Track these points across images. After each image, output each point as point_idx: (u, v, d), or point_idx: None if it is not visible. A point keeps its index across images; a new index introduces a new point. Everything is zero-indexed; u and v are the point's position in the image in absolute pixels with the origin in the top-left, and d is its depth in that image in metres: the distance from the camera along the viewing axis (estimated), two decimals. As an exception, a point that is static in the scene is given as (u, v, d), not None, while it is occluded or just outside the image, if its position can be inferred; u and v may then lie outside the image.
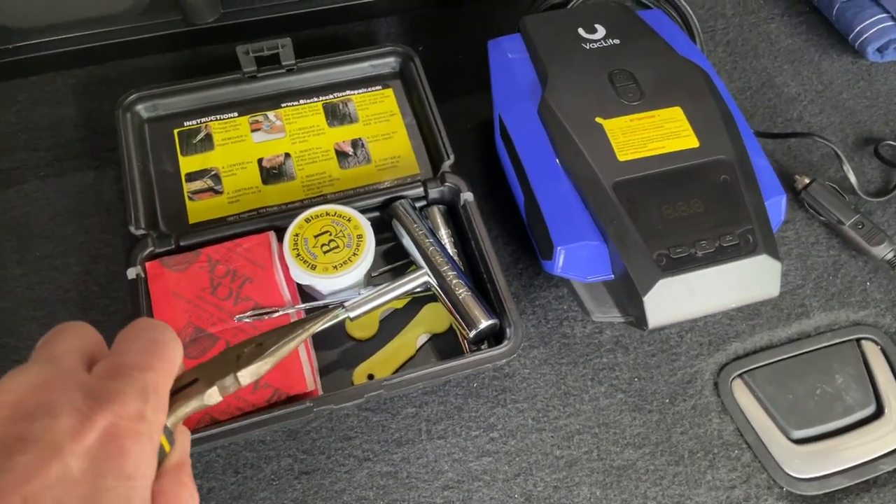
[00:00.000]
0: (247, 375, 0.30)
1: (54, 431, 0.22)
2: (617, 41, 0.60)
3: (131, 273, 0.52)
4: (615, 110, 0.55)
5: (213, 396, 0.28)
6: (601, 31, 0.60)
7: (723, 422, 0.55)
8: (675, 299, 0.50)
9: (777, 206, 0.55)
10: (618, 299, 0.53)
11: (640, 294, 0.49)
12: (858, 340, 0.59)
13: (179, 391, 0.28)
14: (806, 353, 0.58)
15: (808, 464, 0.54)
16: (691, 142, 0.54)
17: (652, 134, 0.54)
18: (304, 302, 0.54)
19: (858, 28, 0.74)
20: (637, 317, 0.51)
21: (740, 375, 0.57)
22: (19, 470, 0.21)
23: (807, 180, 0.65)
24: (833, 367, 0.58)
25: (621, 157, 0.53)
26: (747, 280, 0.51)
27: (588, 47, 0.59)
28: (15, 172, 0.63)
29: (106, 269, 0.59)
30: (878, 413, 0.57)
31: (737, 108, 0.58)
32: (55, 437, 0.22)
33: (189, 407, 0.28)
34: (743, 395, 0.56)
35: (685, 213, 0.51)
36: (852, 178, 0.65)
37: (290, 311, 0.52)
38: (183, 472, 0.26)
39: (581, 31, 0.60)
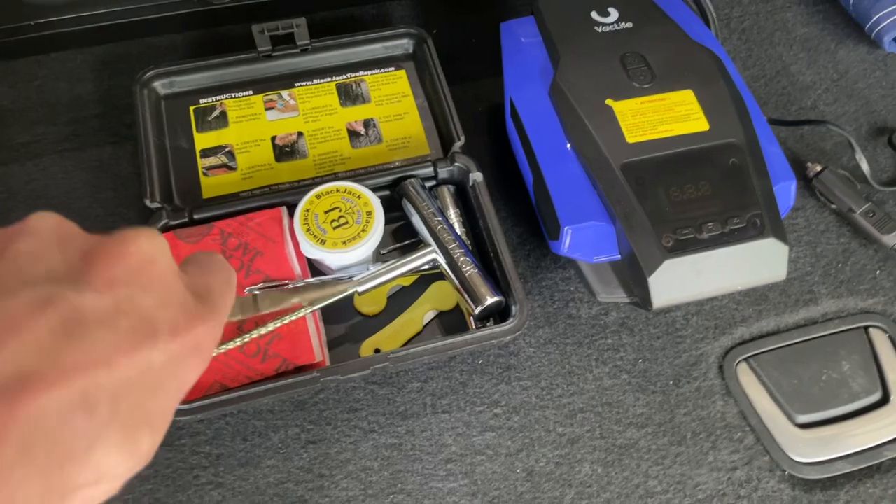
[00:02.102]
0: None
1: (157, 320, 0.22)
2: (630, 25, 0.60)
3: (146, 244, 0.53)
4: (626, 92, 0.55)
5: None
6: (614, 14, 0.60)
7: (726, 404, 0.55)
8: (680, 280, 0.50)
9: (787, 191, 0.55)
10: (623, 280, 0.53)
11: (645, 274, 0.49)
12: (866, 328, 0.59)
13: None
14: (813, 339, 0.58)
15: (811, 448, 0.54)
16: (701, 125, 0.54)
17: (662, 116, 0.54)
18: (313, 276, 0.55)
19: (876, 17, 0.73)
20: (642, 297, 0.51)
21: (746, 359, 0.57)
22: (111, 345, 0.21)
23: (818, 167, 0.64)
24: (840, 354, 0.58)
25: (630, 139, 0.53)
26: (754, 263, 0.51)
27: (600, 30, 0.59)
28: (34, 146, 0.64)
29: (121, 241, 0.60)
30: (884, 400, 0.56)
31: (750, 94, 0.58)
32: (153, 322, 0.22)
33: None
34: (747, 379, 0.56)
35: (693, 196, 0.51)
36: (865, 167, 0.64)
37: (299, 284, 0.53)
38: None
39: (594, 14, 0.60)
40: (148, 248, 0.23)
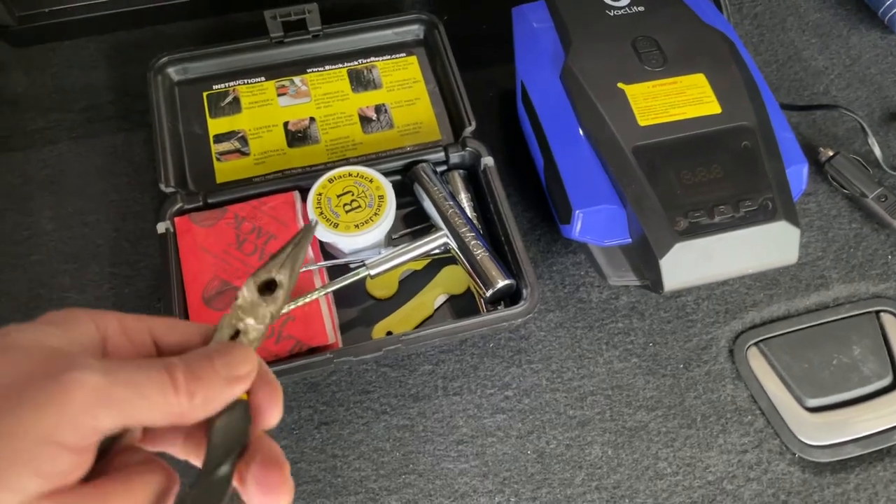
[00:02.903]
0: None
1: None
2: (641, 8, 0.59)
3: (161, 227, 0.54)
4: (637, 76, 0.55)
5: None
6: (625, -2, 0.60)
7: (737, 388, 0.55)
8: (691, 263, 0.50)
9: (798, 174, 0.54)
10: (634, 263, 0.54)
11: (656, 257, 0.50)
12: (878, 313, 0.59)
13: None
14: (824, 323, 0.58)
15: (821, 432, 0.54)
16: (713, 108, 0.54)
17: (674, 100, 0.54)
18: (325, 260, 0.55)
19: (889, 2, 0.72)
20: (653, 280, 0.51)
21: (756, 344, 0.57)
22: None
23: (831, 152, 0.64)
24: (851, 339, 0.58)
25: (642, 122, 0.53)
26: (765, 246, 0.51)
27: (612, 14, 0.59)
28: (49, 132, 0.65)
29: (135, 226, 0.61)
30: (895, 384, 0.56)
31: (762, 78, 0.58)
32: None
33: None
34: (758, 363, 0.56)
35: (705, 179, 0.51)
36: (877, 152, 0.64)
37: (312, 267, 0.53)
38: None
39: (605, -2, 0.60)
40: None
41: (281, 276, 0.30)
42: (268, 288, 0.30)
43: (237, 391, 0.26)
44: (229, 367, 0.25)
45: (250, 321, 0.29)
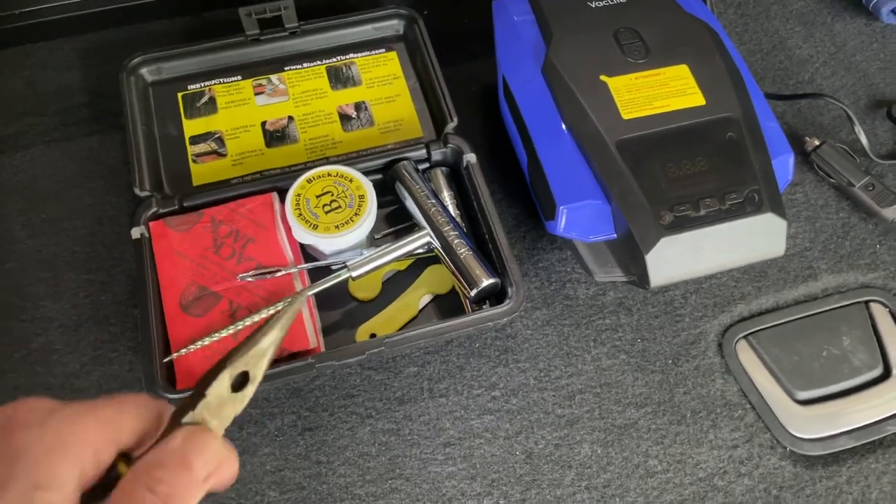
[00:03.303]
0: (253, 358, 0.29)
1: None
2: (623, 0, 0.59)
3: (135, 233, 0.53)
4: (620, 68, 0.54)
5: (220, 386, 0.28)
6: (607, -11, 0.59)
7: (726, 382, 0.55)
8: (677, 258, 0.49)
9: (784, 165, 0.54)
10: (620, 259, 0.53)
11: (642, 252, 0.49)
12: (867, 303, 0.59)
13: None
14: (813, 315, 0.58)
15: (812, 424, 0.54)
16: (697, 99, 0.53)
17: (657, 92, 0.53)
18: (306, 262, 0.54)
19: (874, -12, 0.72)
20: (639, 276, 0.50)
21: (745, 337, 0.57)
22: None
23: (817, 142, 0.64)
24: (840, 329, 0.57)
25: (625, 116, 0.52)
26: (752, 238, 0.50)
27: (594, 6, 0.58)
28: (22, 137, 0.64)
29: (111, 230, 0.59)
30: (886, 375, 0.56)
31: (746, 67, 0.57)
32: None
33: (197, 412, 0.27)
34: (747, 357, 0.56)
35: (690, 172, 0.51)
36: (864, 141, 0.63)
37: (292, 270, 0.52)
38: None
39: (586, -11, 0.59)
40: None
41: (256, 370, 0.29)
42: (241, 381, 0.29)
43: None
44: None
45: (214, 423, 0.27)
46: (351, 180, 0.54)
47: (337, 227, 0.52)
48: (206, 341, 0.48)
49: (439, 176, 0.59)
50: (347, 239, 0.52)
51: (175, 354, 0.48)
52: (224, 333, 0.49)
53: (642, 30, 0.56)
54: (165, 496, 0.24)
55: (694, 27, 0.57)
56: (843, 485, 0.52)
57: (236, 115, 0.61)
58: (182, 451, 0.25)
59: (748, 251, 0.51)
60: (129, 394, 0.27)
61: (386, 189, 0.58)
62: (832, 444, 0.53)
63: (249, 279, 0.51)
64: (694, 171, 0.51)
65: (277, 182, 0.56)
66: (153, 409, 0.27)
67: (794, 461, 0.52)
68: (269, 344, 0.30)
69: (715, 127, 0.52)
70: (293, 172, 0.56)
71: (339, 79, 0.63)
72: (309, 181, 0.54)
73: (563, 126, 0.53)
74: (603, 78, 0.54)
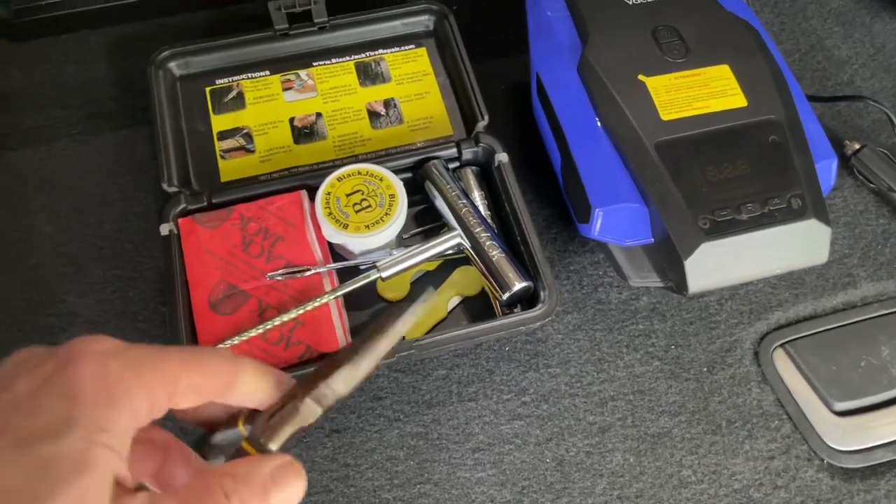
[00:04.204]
0: (339, 379, 0.28)
1: (16, 372, 0.23)
2: (661, -3, 0.57)
3: (164, 229, 0.52)
4: (659, 68, 0.53)
5: (308, 410, 0.27)
6: (645, -14, 0.58)
7: (762, 392, 0.53)
8: (717, 264, 0.48)
9: (827, 170, 0.52)
10: (657, 264, 0.52)
11: (681, 258, 0.47)
12: (907, 312, 0.57)
13: (278, 412, 0.26)
14: (851, 323, 0.56)
15: (850, 436, 0.52)
16: (739, 101, 0.51)
17: (697, 92, 0.52)
18: (335, 261, 0.53)
19: (916, -13, 0.70)
20: (677, 282, 0.49)
21: (782, 345, 0.55)
22: None
23: (857, 146, 0.62)
24: (879, 339, 0.56)
25: (664, 117, 0.51)
26: (795, 245, 0.49)
27: (631, 3, 0.57)
28: (46, 130, 0.63)
29: (139, 227, 0.59)
30: (926, 387, 0.54)
31: (787, 67, 0.56)
32: (14, 373, 0.23)
33: (290, 424, 0.26)
34: (784, 366, 0.54)
35: (731, 175, 0.49)
36: (905, 145, 0.62)
37: (321, 269, 0.51)
38: (227, 481, 0.24)
39: (623, -14, 0.58)
40: None
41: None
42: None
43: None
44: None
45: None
46: (381, 179, 0.53)
47: (367, 226, 0.51)
48: (236, 340, 0.48)
49: (470, 175, 0.58)
50: (378, 238, 0.51)
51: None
52: (252, 333, 0.48)
53: (681, 28, 0.55)
54: None
55: (735, 26, 0.55)
56: (881, 499, 0.50)
57: (264, 110, 0.60)
58: (270, 480, 0.25)
59: (790, 258, 0.49)
60: (202, 349, 0.26)
61: (415, 187, 0.57)
62: (870, 456, 0.52)
63: (279, 278, 0.50)
64: (735, 174, 0.49)
65: (306, 179, 0.55)
66: (228, 370, 0.26)
67: (832, 474, 0.51)
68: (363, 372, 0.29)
69: (757, 129, 0.51)
70: (322, 170, 0.55)
71: (368, 75, 0.62)
72: (339, 179, 0.53)
73: (600, 126, 0.52)
74: (641, 77, 0.52)
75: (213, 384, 0.26)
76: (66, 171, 0.61)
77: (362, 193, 0.52)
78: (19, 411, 0.22)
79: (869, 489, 0.51)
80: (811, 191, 0.49)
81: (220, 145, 0.58)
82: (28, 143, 0.62)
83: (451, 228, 0.54)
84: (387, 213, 0.52)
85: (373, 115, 0.60)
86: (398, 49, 0.64)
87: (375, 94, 0.61)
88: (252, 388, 0.27)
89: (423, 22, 0.64)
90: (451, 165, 0.57)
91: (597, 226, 0.51)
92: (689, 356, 0.54)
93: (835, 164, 0.52)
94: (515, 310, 0.52)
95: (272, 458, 0.26)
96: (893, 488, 0.51)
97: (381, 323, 0.30)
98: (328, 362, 0.29)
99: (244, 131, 0.59)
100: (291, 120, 0.60)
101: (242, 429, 0.27)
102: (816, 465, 0.51)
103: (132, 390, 0.23)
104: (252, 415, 0.27)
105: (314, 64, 0.62)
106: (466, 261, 0.55)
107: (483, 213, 0.56)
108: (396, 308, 0.30)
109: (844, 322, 0.56)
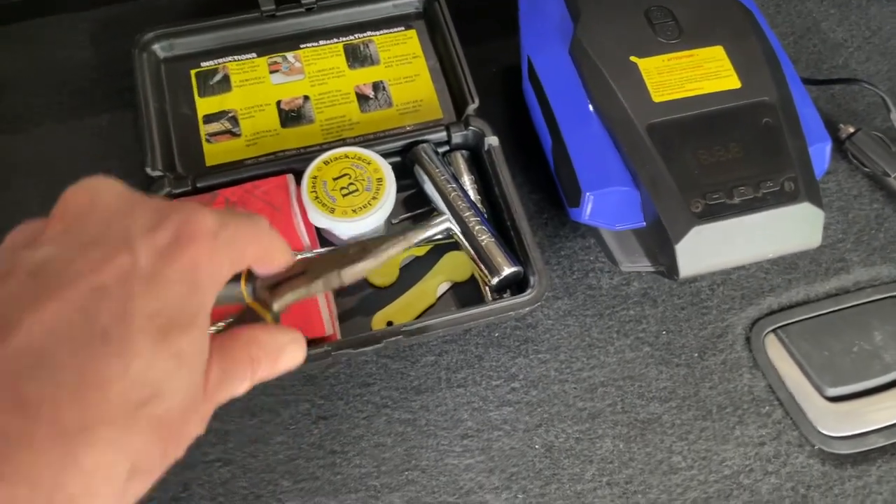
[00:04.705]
0: (349, 274, 0.32)
1: (129, 229, 0.23)
2: (654, -23, 0.56)
3: (147, 214, 0.51)
4: (651, 49, 0.52)
5: (317, 287, 0.31)
6: (637, -34, 0.57)
7: (754, 377, 0.53)
8: (709, 248, 0.47)
9: (821, 153, 0.52)
10: (648, 248, 0.51)
11: (672, 242, 0.47)
12: (900, 297, 0.57)
13: (287, 281, 0.30)
14: (844, 308, 0.56)
15: (842, 422, 0.52)
16: (732, 82, 0.51)
17: (690, 74, 0.51)
18: (322, 247, 0.53)
19: (913, -31, 0.69)
20: (668, 266, 0.49)
21: (774, 331, 0.55)
22: (90, 260, 0.22)
23: (851, 129, 0.61)
24: (872, 324, 0.55)
25: (656, 99, 0.50)
26: (787, 229, 0.48)
27: (623, -17, 0.56)
28: (30, 114, 0.62)
29: (123, 211, 0.58)
30: (919, 372, 0.54)
31: (782, 49, 0.55)
32: (129, 234, 0.23)
33: (295, 294, 0.30)
34: (776, 351, 0.54)
35: (723, 158, 0.48)
36: (901, 128, 0.61)
37: (308, 255, 0.51)
38: (253, 348, 0.27)
39: (616, -34, 0.57)
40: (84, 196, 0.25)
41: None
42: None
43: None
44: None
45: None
46: (369, 163, 0.52)
47: (355, 210, 0.50)
48: (221, 325, 0.47)
49: (459, 159, 0.57)
50: (365, 223, 0.50)
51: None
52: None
53: (675, 8, 0.54)
54: (253, 372, 0.27)
55: (729, 6, 0.54)
56: (872, 484, 0.50)
57: (251, 93, 0.59)
58: (282, 348, 0.28)
59: (783, 242, 0.48)
60: (258, 220, 0.28)
61: (404, 172, 0.56)
62: (862, 442, 0.51)
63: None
64: (728, 157, 0.49)
65: (293, 163, 0.54)
66: (276, 247, 0.29)
67: (823, 459, 0.51)
68: (361, 269, 0.32)
69: (750, 111, 0.50)
70: (309, 154, 0.54)
71: (357, 57, 0.61)
72: (325, 163, 0.52)
73: (591, 109, 0.51)
74: (633, 59, 0.51)
75: (262, 257, 0.29)
76: (52, 156, 0.60)
77: (350, 177, 0.52)
78: (150, 293, 0.22)
79: (860, 475, 0.50)
80: (804, 174, 0.48)
81: (205, 129, 0.57)
82: (11, 129, 0.61)
83: (440, 213, 0.53)
84: (374, 198, 0.51)
85: (361, 98, 0.59)
86: (387, 31, 0.63)
87: (364, 77, 0.60)
88: (280, 262, 0.29)
89: (413, 3, 0.63)
90: (441, 149, 0.57)
91: (587, 210, 0.50)
92: (680, 342, 0.54)
93: (829, 147, 0.52)
94: (505, 295, 0.52)
95: (286, 330, 0.29)
96: (885, 474, 0.50)
97: (393, 234, 0.36)
98: (338, 252, 0.33)
99: (230, 115, 0.58)
100: (278, 103, 0.59)
101: (245, 287, 0.30)
102: (808, 451, 0.51)
103: (227, 276, 0.26)
104: (251, 275, 0.30)
105: (301, 46, 0.61)
106: (456, 246, 0.54)
107: (473, 197, 0.55)
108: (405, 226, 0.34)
109: (837, 307, 0.56)
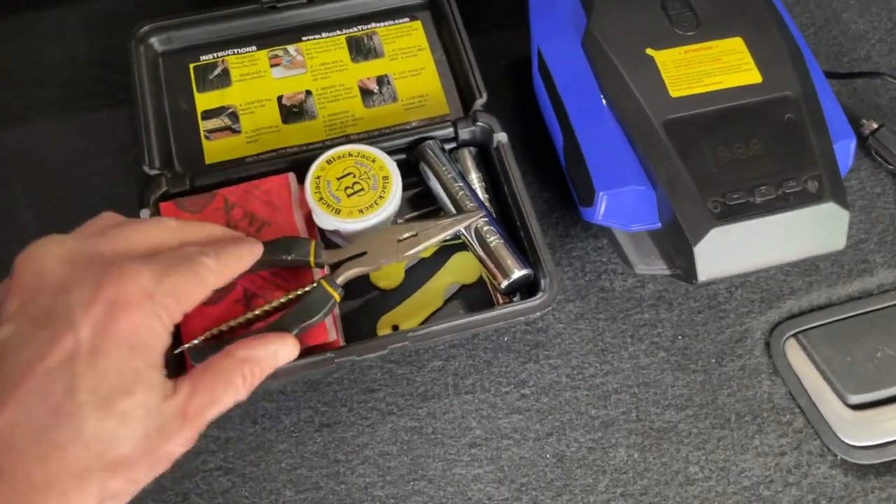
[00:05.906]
0: (406, 257, 0.43)
1: (70, 307, 0.26)
2: (670, -34, 0.54)
3: (145, 214, 0.49)
4: (668, 41, 0.50)
5: (374, 265, 0.42)
6: (653, -46, 0.54)
7: (774, 384, 0.51)
8: (729, 250, 0.45)
9: (845, 151, 0.49)
10: (664, 250, 0.49)
11: (690, 244, 0.45)
12: (926, 300, 0.54)
13: (347, 260, 0.40)
14: (867, 312, 0.54)
15: (865, 431, 0.50)
16: (753, 76, 0.48)
17: (709, 67, 0.49)
18: (327, 249, 0.51)
19: (938, -43, 0.66)
20: (686, 269, 0.47)
21: (794, 335, 0.53)
22: (41, 344, 0.26)
23: (875, 125, 0.59)
24: (896, 329, 0.53)
25: (674, 93, 0.48)
26: (811, 230, 0.46)
27: (638, -28, 0.53)
28: (23, 110, 0.60)
29: (120, 211, 0.55)
30: (945, 379, 0.52)
31: (804, 41, 0.52)
32: (70, 312, 0.26)
33: (354, 270, 0.41)
34: (796, 357, 0.52)
35: (744, 156, 0.46)
36: (926, 124, 0.59)
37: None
38: (247, 366, 0.33)
39: (630, -46, 0.54)
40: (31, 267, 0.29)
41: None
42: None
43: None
44: None
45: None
46: (374, 160, 0.50)
47: (361, 210, 0.48)
48: (224, 327, 0.45)
49: (467, 156, 0.55)
50: (371, 223, 0.48)
51: (187, 345, 0.45)
52: (235, 322, 0.45)
53: (692, -1, 0.51)
54: (249, 385, 0.33)
55: (749, -3, 0.52)
56: (897, 496, 0.48)
57: (251, 88, 0.57)
58: (276, 358, 0.36)
59: (806, 244, 0.46)
60: (193, 261, 0.33)
61: (410, 169, 0.54)
62: (886, 452, 0.49)
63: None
64: (748, 154, 0.46)
65: (295, 161, 0.52)
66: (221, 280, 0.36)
67: (846, 470, 0.49)
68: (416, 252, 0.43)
69: (772, 107, 0.48)
70: (311, 151, 0.53)
71: (360, 50, 0.59)
72: (329, 162, 0.50)
73: (605, 104, 0.49)
74: (649, 51, 0.49)
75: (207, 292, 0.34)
76: (46, 152, 0.58)
77: (354, 176, 0.50)
78: (92, 369, 0.26)
79: (884, 486, 0.48)
80: (829, 173, 0.46)
81: (204, 125, 0.55)
82: (3, 125, 0.59)
83: (447, 213, 0.51)
84: (381, 197, 0.49)
85: (365, 92, 0.57)
86: (392, 22, 0.60)
87: (368, 71, 0.58)
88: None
89: (419, -7, 0.61)
90: (448, 146, 0.55)
91: (601, 210, 0.48)
92: (697, 347, 0.52)
93: (853, 144, 0.50)
94: (515, 298, 0.50)
95: (277, 335, 0.36)
96: (909, 485, 0.48)
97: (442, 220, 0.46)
98: (392, 232, 0.45)
99: (230, 110, 0.56)
100: (279, 98, 0.57)
101: (313, 260, 0.43)
102: (829, 461, 0.49)
103: (170, 327, 0.29)
104: (318, 251, 0.44)
105: (303, 38, 0.59)
106: (463, 247, 0.52)
107: (481, 196, 0.53)
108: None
109: (860, 311, 0.54)
